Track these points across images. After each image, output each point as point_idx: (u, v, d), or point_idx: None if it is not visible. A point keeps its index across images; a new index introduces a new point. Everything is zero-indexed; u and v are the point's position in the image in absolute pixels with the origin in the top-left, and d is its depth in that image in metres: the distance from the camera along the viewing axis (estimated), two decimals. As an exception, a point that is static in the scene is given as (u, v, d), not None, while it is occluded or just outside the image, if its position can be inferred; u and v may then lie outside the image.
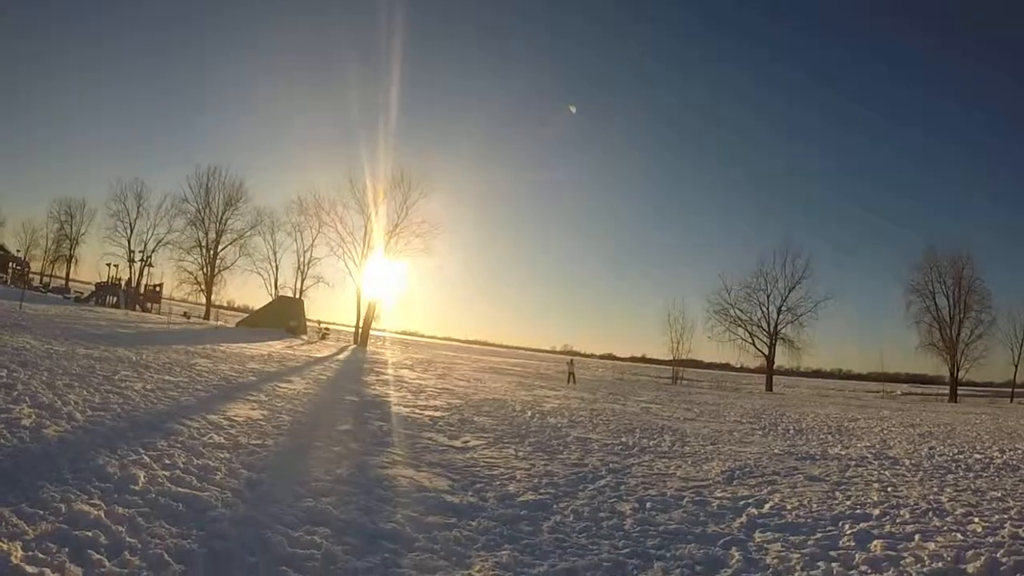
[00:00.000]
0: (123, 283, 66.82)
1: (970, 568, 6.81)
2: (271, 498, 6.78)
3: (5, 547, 4.53)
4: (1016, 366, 72.25)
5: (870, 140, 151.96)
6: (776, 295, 74.50)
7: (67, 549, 4.72)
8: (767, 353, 74.50)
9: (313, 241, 69.32)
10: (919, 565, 6.82)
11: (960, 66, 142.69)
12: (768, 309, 74.72)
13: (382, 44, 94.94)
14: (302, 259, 71.42)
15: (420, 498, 7.71)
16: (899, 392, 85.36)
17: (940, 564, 6.87)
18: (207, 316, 70.05)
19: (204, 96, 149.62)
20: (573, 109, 78.11)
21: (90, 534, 4.99)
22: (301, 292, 70.25)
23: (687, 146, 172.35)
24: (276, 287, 72.01)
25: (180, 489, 6.52)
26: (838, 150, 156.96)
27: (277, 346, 34.94)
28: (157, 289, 68.73)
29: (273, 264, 73.22)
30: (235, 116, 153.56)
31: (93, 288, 66.07)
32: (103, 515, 5.43)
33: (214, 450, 8.49)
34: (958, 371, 72.35)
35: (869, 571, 6.59)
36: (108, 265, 68.86)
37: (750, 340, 75.34)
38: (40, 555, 4.57)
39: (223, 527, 5.66)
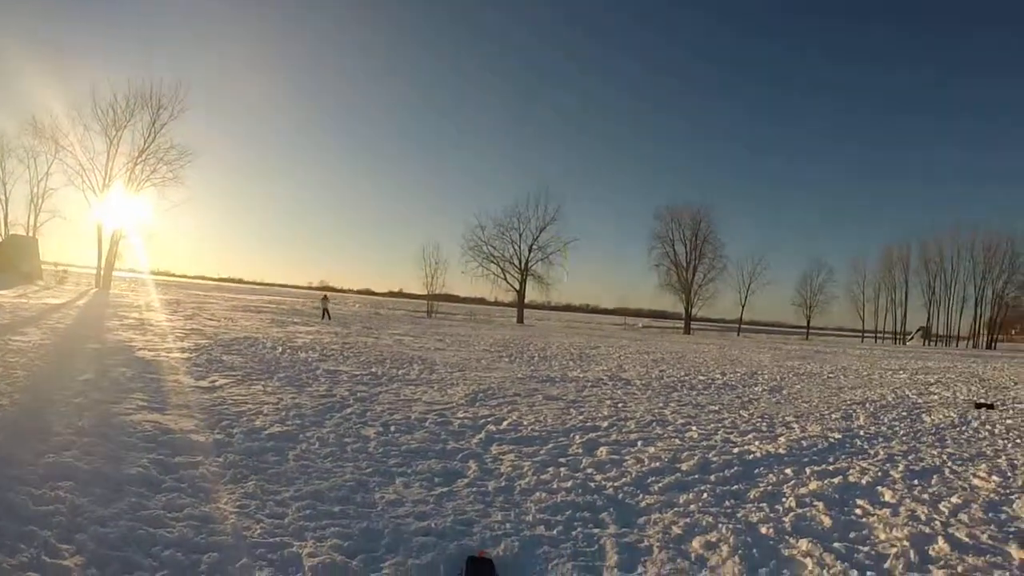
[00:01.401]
0: None
1: (684, 466, 8.00)
2: (10, 460, 6.65)
3: None
4: (743, 306, 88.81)
5: (628, 90, 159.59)
6: (528, 234, 78.74)
7: None
8: (518, 288, 78.15)
9: (48, 168, 61.86)
10: (639, 465, 7.93)
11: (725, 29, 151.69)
12: (520, 247, 79.00)
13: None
14: (36, 190, 64.19)
15: (166, 441, 7.77)
16: (640, 325, 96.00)
17: (658, 464, 8.03)
18: (-77, 264, 62.94)
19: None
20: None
21: None
22: (35, 229, 63.97)
23: (453, 82, 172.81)
24: (6, 225, 64.99)
25: (-93, 463, 6.34)
26: (597, 102, 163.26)
27: (8, 295, 32.44)
28: None
29: (3, 197, 65.25)
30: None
31: None
32: None
33: (-59, 417, 8.15)
34: (692, 308, 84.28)
35: (594, 472, 7.58)
36: None
37: (502, 275, 79.04)
38: None
39: (-39, 496, 5.59)
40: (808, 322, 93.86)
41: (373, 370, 15.27)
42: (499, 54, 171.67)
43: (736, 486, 7.33)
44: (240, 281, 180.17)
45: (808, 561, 5.28)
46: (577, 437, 9.33)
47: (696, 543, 5.55)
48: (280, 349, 18.49)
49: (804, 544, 5.62)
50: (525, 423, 10.10)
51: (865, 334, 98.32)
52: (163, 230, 64.80)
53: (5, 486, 5.91)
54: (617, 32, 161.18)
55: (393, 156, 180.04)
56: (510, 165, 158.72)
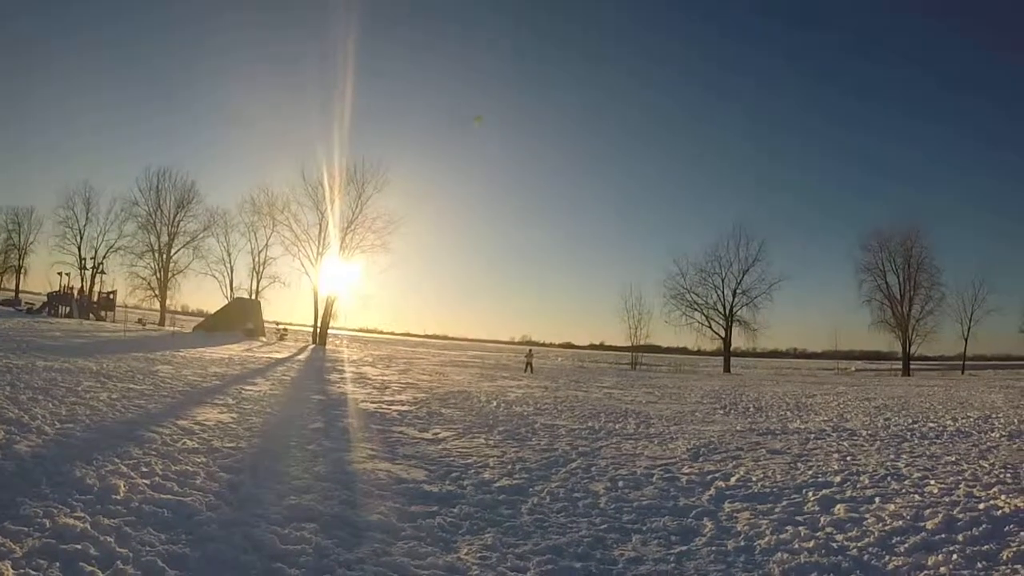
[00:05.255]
0: (75, 292, 64.27)
1: (928, 525, 7.15)
2: (254, 499, 6.82)
3: (-5, 567, 4.47)
4: (966, 339, 75.17)
5: (825, 117, 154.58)
6: (731, 278, 74.14)
7: (58, 563, 4.69)
8: (724, 335, 74.48)
9: (268, 240, 67.55)
10: (880, 524, 7.18)
11: (917, 40, 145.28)
12: (723, 292, 74.43)
13: (337, 37, 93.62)
14: (257, 259, 69.76)
15: (400, 489, 7.80)
16: (854, 368, 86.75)
17: (900, 523, 7.23)
18: (162, 322, 68.45)
19: (152, 95, 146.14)
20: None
21: (79, 547, 4.97)
22: (257, 293, 68.86)
23: (640, 128, 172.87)
24: (232, 289, 70.56)
25: (162, 496, 6.51)
26: (794, 128, 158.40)
27: (236, 349, 34.60)
28: (111, 296, 65.97)
29: (228, 266, 71.41)
30: (184, 115, 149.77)
31: (45, 298, 64.09)
32: (89, 527, 5.41)
33: (190, 455, 8.46)
34: (910, 346, 74.13)
35: (834, 532, 6.93)
36: (59, 274, 66.05)
37: (707, 323, 75.09)
38: (32, 572, 4.53)
39: (212, 530, 5.69)
40: (1041, 353, 79.42)
41: (590, 424, 14.88)
42: (682, 82, 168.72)
43: (986, 546, 6.51)
44: (445, 337, 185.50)
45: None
46: (810, 493, 8.66)
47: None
48: (495, 403, 18.43)
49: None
50: (753, 479, 9.51)
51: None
52: (372, 291, 67.36)
53: (252, 523, 6.02)
54: (813, 57, 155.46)
55: (587, 204, 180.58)
56: (705, 204, 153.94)
